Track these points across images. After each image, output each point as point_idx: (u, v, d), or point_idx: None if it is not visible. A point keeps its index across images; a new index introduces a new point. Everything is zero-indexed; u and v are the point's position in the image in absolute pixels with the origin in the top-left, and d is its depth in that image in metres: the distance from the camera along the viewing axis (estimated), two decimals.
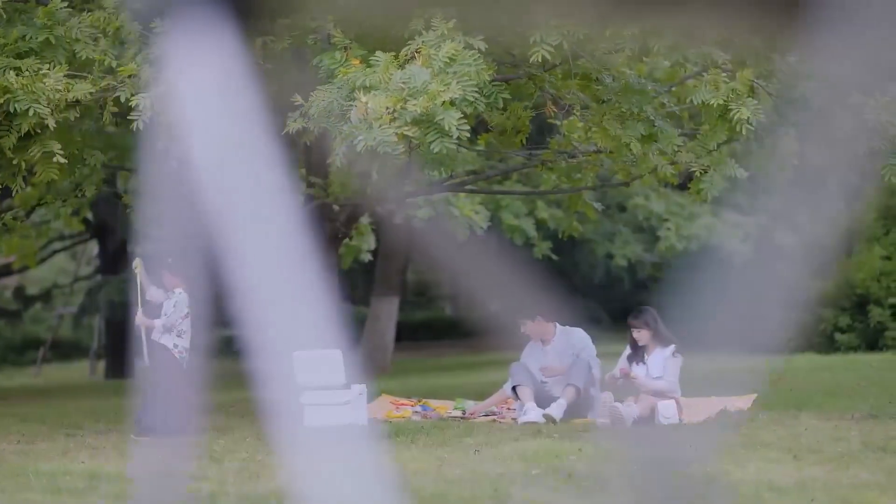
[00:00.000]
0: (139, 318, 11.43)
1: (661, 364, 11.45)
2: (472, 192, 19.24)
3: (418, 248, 21.47)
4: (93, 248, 32.69)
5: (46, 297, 34.26)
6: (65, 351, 37.30)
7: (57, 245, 30.17)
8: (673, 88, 13.52)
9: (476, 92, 10.07)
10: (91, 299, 27.73)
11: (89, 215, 25.71)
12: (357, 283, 31.10)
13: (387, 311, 23.38)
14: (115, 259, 27.45)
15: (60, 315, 33.52)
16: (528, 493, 7.12)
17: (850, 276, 22.23)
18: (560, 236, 18.78)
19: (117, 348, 27.91)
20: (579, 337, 12.09)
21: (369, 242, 22.70)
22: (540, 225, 23.36)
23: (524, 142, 13.87)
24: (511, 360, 12.13)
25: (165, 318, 11.26)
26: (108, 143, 15.15)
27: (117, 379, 26.12)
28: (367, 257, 22.98)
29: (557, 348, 12.06)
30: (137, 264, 11.60)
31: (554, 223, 22.42)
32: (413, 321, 34.77)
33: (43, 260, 28.97)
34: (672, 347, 11.48)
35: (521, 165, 16.53)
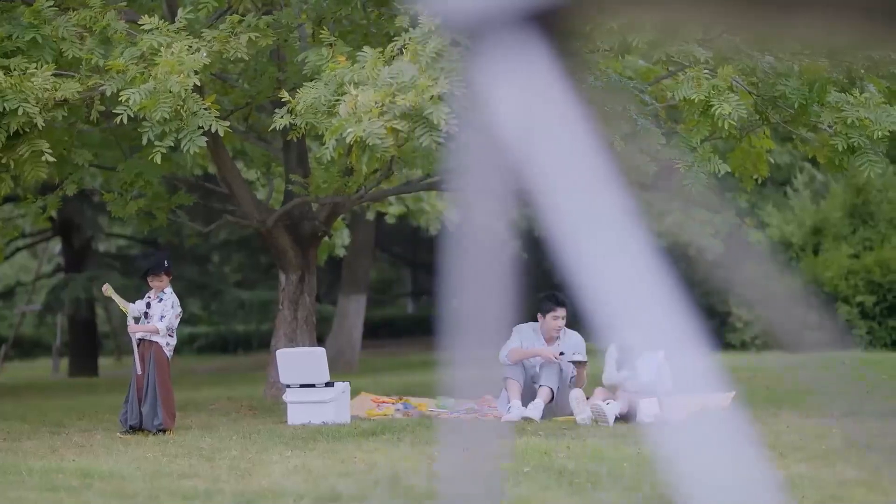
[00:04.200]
0: (133, 328, 11.36)
1: (653, 367, 11.32)
2: (447, 190, 19.25)
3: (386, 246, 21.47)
4: (55, 245, 32.43)
5: (8, 294, 34.00)
6: (26, 349, 37.10)
7: (19, 242, 29.90)
8: (649, 87, 13.55)
9: (464, 87, 10.10)
10: (55, 296, 27.53)
11: (53, 213, 25.50)
12: (322, 281, 31.03)
13: (354, 309, 23.35)
14: (81, 256, 27.26)
15: (23, 313, 33.30)
16: (521, 491, 7.14)
17: (818, 274, 22.34)
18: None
19: (80, 346, 27.74)
20: (578, 341, 12.15)
21: (343, 238, 22.66)
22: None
23: None
24: (477, 359, 12.03)
25: (166, 319, 11.26)
26: (83, 142, 15.08)
27: (82, 377, 25.98)
28: (341, 252, 22.93)
29: (563, 347, 12.05)
30: (107, 289, 11.54)
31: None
32: (374, 319, 34.71)
33: (6, 258, 28.71)
34: (663, 352, 11.29)
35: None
